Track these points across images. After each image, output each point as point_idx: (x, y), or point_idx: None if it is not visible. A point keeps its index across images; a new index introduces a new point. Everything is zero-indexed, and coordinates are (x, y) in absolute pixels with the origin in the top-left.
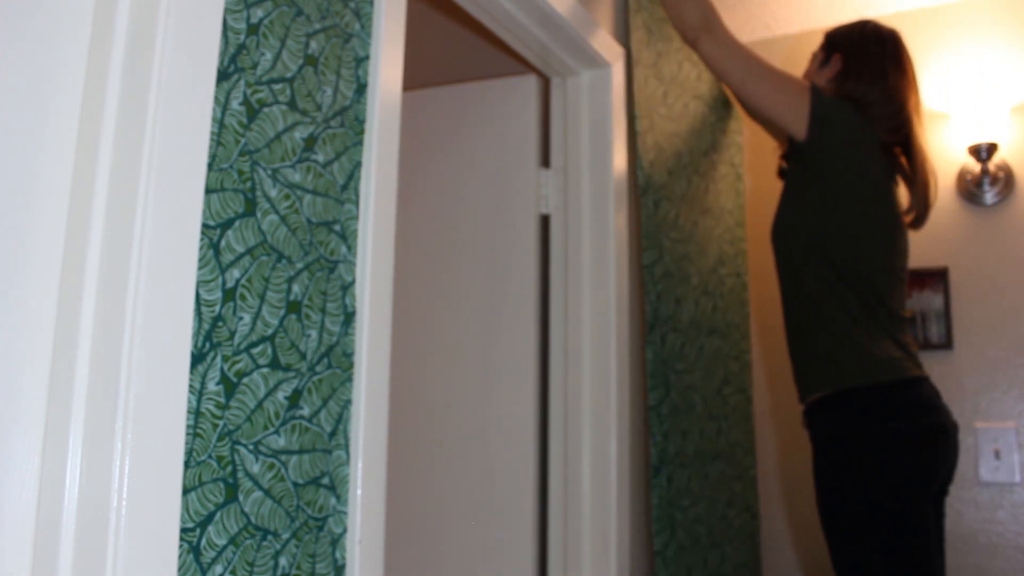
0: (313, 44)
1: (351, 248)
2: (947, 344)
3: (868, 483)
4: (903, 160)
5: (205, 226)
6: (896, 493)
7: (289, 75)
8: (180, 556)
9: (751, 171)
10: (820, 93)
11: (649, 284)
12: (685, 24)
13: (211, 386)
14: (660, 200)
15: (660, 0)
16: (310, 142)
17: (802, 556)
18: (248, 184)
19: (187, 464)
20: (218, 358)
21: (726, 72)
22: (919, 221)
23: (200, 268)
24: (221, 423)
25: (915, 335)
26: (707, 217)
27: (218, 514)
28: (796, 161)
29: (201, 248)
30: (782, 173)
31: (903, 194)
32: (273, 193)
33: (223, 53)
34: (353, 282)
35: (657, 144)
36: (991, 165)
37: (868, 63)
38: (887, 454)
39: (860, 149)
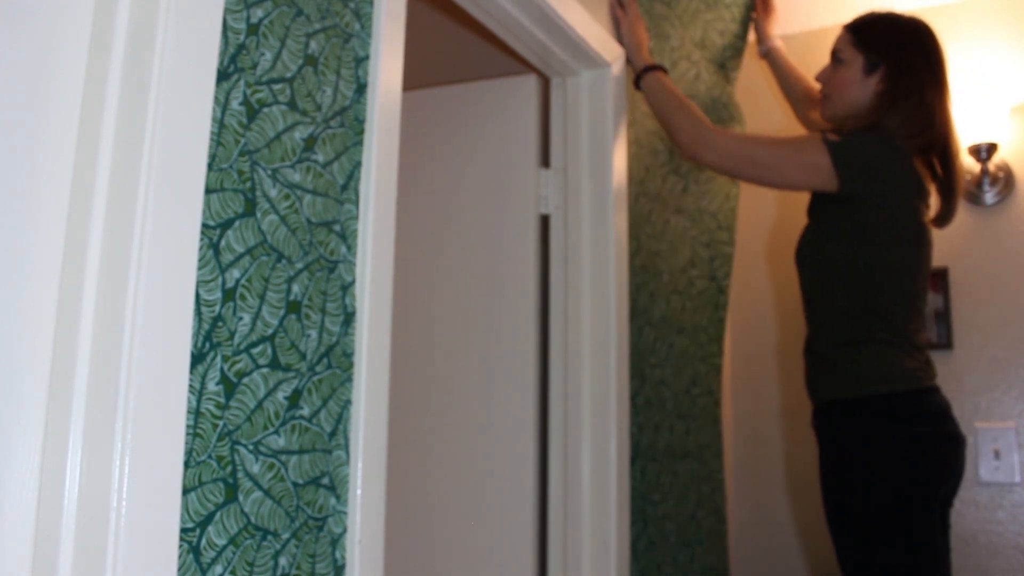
0: (313, 44)
1: (351, 248)
2: (947, 344)
3: (881, 484)
4: (936, 163)
5: (205, 226)
6: (908, 495)
7: (289, 75)
8: (180, 556)
9: None
10: (835, 143)
11: (631, 274)
12: (680, 142)
13: (211, 386)
14: (639, 195)
15: (656, 117)
16: (310, 142)
17: (808, 558)
18: (248, 184)
19: (187, 464)
20: (218, 358)
21: (740, 175)
22: (945, 221)
23: (200, 268)
24: (221, 423)
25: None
26: (681, 217)
27: (218, 514)
28: (827, 195)
29: (201, 248)
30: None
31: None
32: (273, 193)
33: (223, 53)
34: (353, 282)
35: (637, 140)
36: (991, 165)
37: (911, 78)
38: (901, 457)
39: (891, 185)
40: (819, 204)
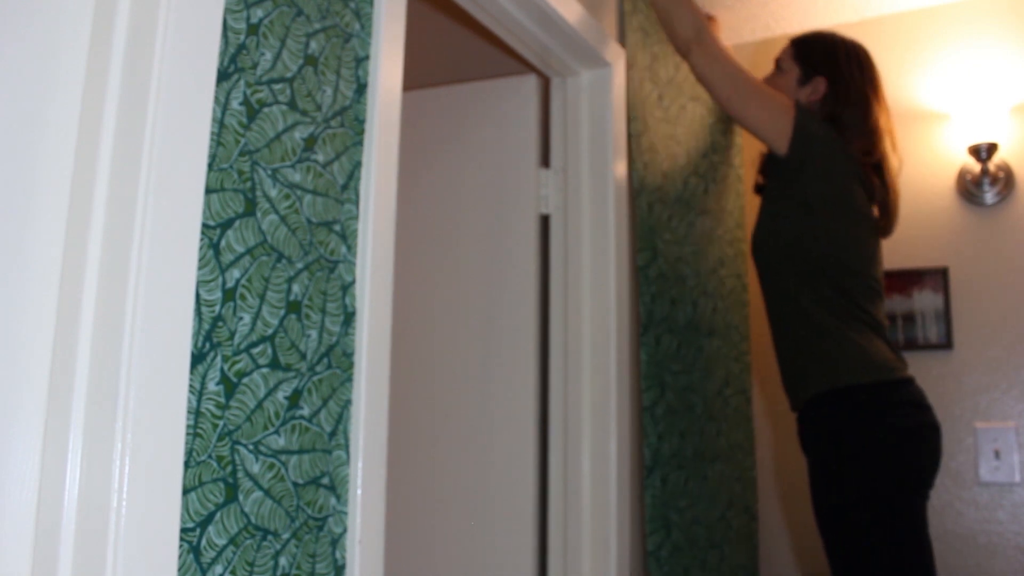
0: (313, 44)
1: (351, 248)
2: (947, 344)
3: (869, 478)
4: (874, 178)
5: (205, 226)
6: (896, 488)
7: (289, 75)
8: (180, 556)
9: (751, 172)
10: (804, 111)
11: (643, 285)
12: (677, 35)
13: (211, 386)
14: (654, 202)
15: (654, 10)
16: (310, 142)
17: (800, 556)
18: (248, 184)
19: (187, 464)
20: (218, 358)
21: (713, 85)
22: (888, 231)
23: (200, 268)
24: (221, 423)
25: (914, 335)
26: (706, 218)
27: (218, 514)
28: (774, 175)
29: (201, 248)
30: (759, 188)
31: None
32: (273, 193)
33: (223, 53)
34: (353, 282)
35: (652, 146)
36: (991, 165)
37: (850, 89)
38: (888, 450)
39: (837, 165)
40: (769, 190)
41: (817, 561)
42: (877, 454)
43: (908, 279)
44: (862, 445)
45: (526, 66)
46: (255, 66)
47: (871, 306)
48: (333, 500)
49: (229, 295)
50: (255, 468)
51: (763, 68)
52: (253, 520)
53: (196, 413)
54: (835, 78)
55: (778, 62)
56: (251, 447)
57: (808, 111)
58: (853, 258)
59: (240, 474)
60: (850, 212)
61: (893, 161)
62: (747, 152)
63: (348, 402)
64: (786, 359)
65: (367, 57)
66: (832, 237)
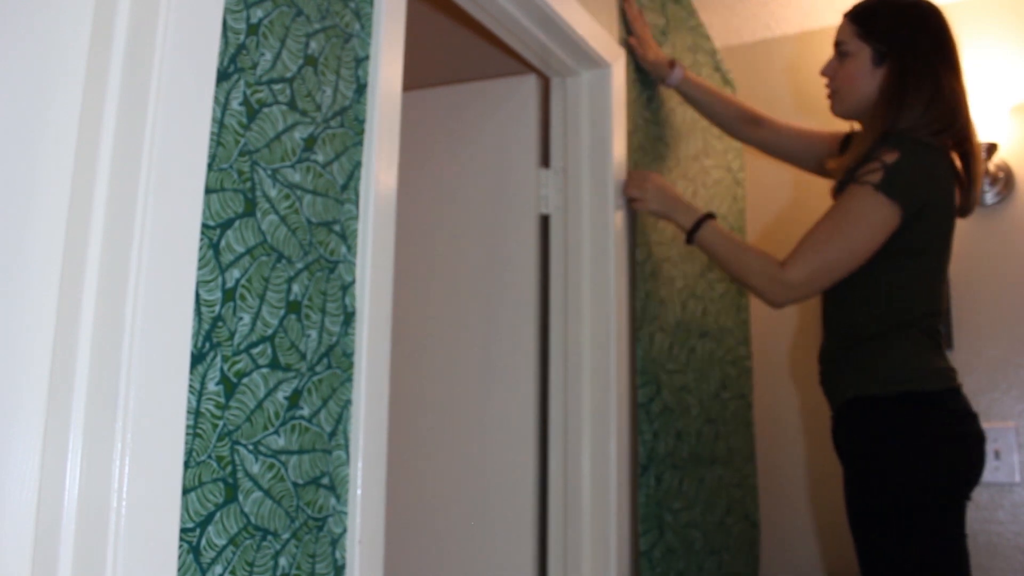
0: (313, 44)
1: (351, 248)
2: (947, 344)
3: (912, 484)
4: (961, 165)
5: (205, 226)
6: (944, 493)
7: (289, 75)
8: (180, 556)
9: (752, 173)
10: (885, 182)
11: (640, 281)
12: (756, 293)
13: (211, 386)
14: None
15: (722, 268)
16: (310, 142)
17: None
18: (248, 184)
19: (187, 464)
20: (218, 358)
21: (826, 287)
22: (968, 211)
23: (200, 268)
24: (221, 423)
25: None
26: None
27: (218, 514)
28: None
29: (201, 248)
30: (836, 195)
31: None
32: (273, 193)
33: (223, 53)
34: (353, 282)
35: (641, 147)
36: (991, 165)
37: (924, 72)
38: (930, 459)
39: (938, 196)
40: None
41: (835, 568)
42: (918, 463)
43: None
44: (902, 453)
45: (526, 66)
46: (255, 66)
47: (936, 320)
48: (333, 500)
49: (229, 295)
50: (255, 468)
51: (764, 67)
52: (253, 520)
53: (196, 413)
54: (903, 55)
55: (839, 45)
56: (251, 447)
57: (885, 179)
58: (933, 291)
59: (240, 474)
60: (941, 243)
61: (976, 137)
62: (748, 154)
63: (348, 402)
64: (835, 354)
65: (367, 57)
66: (918, 281)
